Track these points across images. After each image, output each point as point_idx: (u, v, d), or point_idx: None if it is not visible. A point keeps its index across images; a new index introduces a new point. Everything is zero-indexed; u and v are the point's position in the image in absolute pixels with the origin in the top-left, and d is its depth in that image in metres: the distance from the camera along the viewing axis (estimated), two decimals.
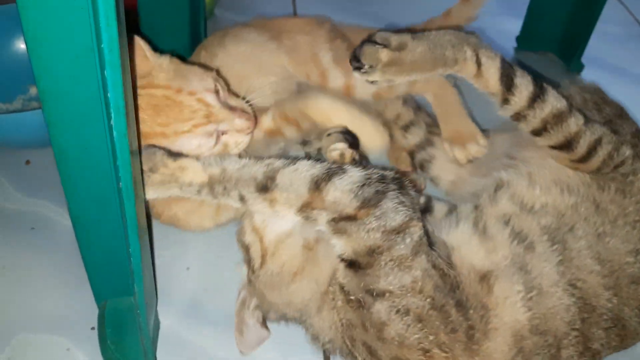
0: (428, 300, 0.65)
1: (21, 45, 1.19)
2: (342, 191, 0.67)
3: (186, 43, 1.16)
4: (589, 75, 1.38)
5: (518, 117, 0.81)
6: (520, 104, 0.81)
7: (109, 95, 0.54)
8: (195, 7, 1.15)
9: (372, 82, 0.83)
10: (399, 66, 0.81)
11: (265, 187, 0.69)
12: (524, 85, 0.80)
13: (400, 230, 0.66)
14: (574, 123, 0.80)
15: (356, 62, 0.82)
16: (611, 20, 1.56)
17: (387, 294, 0.65)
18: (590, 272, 0.71)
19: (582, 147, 0.79)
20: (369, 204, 0.66)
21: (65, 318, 0.83)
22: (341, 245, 0.68)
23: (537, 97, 0.80)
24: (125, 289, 0.73)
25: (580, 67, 1.38)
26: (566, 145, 0.80)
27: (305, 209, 0.68)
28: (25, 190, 1.02)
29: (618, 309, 0.71)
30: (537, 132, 0.81)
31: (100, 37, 0.50)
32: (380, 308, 0.65)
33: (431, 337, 0.64)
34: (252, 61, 1.01)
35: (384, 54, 0.79)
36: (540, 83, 0.82)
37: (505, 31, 1.51)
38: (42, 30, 0.50)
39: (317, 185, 0.67)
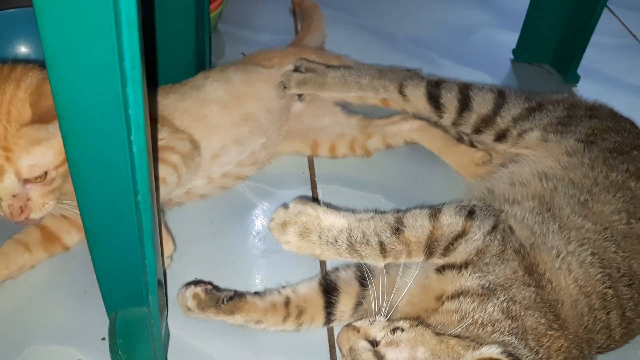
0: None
1: (21, 49, 1.17)
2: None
3: (191, 58, 1.17)
4: (584, 86, 1.41)
5: (455, 125, 1.06)
6: (452, 117, 1.05)
7: (130, 111, 0.55)
8: (201, 23, 1.16)
9: (298, 96, 1.11)
10: (311, 84, 1.09)
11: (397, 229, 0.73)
12: (449, 102, 1.04)
13: (492, 230, 0.73)
14: (501, 122, 1.01)
15: (282, 84, 1.11)
16: (605, 32, 1.60)
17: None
18: (586, 229, 0.79)
19: (513, 136, 1.00)
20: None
21: (75, 329, 0.84)
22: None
23: (463, 108, 1.03)
24: (137, 299, 0.73)
25: (576, 79, 1.41)
26: (501, 136, 1.01)
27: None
28: None
29: (628, 263, 0.78)
30: (476, 132, 1.04)
31: (122, 54, 0.51)
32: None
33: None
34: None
35: (295, 75, 1.09)
36: (466, 93, 1.04)
37: (502, 43, 1.54)
38: (62, 47, 0.51)
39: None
